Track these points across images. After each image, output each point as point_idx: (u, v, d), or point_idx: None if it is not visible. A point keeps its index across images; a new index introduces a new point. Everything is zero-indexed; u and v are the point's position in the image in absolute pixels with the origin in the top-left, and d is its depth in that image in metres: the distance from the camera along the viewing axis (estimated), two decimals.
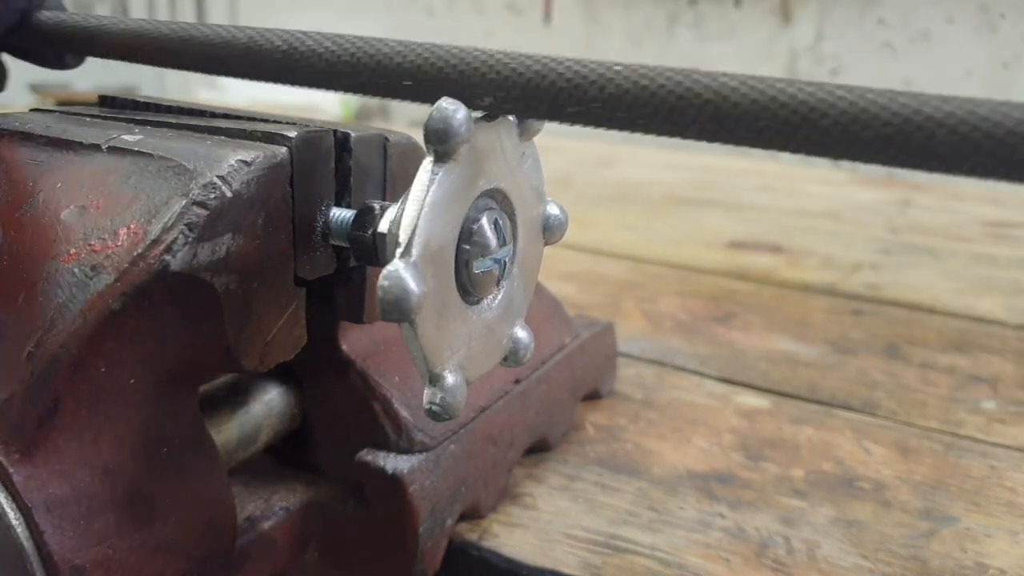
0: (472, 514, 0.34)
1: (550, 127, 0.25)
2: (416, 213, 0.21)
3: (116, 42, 0.30)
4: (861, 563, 0.33)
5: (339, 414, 0.32)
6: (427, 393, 0.23)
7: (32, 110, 0.32)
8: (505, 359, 0.27)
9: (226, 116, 0.30)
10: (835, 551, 0.34)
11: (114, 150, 0.26)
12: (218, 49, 0.27)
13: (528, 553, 0.33)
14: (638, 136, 0.21)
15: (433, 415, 0.23)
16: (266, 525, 0.30)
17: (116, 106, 0.33)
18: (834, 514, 0.36)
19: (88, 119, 0.30)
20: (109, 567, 0.23)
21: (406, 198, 0.22)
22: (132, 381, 0.24)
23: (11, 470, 0.22)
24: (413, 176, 0.22)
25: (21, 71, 0.35)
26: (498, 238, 0.25)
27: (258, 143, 0.26)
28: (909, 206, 1.01)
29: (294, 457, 0.34)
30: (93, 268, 0.23)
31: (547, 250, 0.29)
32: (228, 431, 0.29)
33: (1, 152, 0.28)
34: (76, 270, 0.23)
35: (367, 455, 0.30)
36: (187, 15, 2.67)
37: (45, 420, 0.22)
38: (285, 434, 0.33)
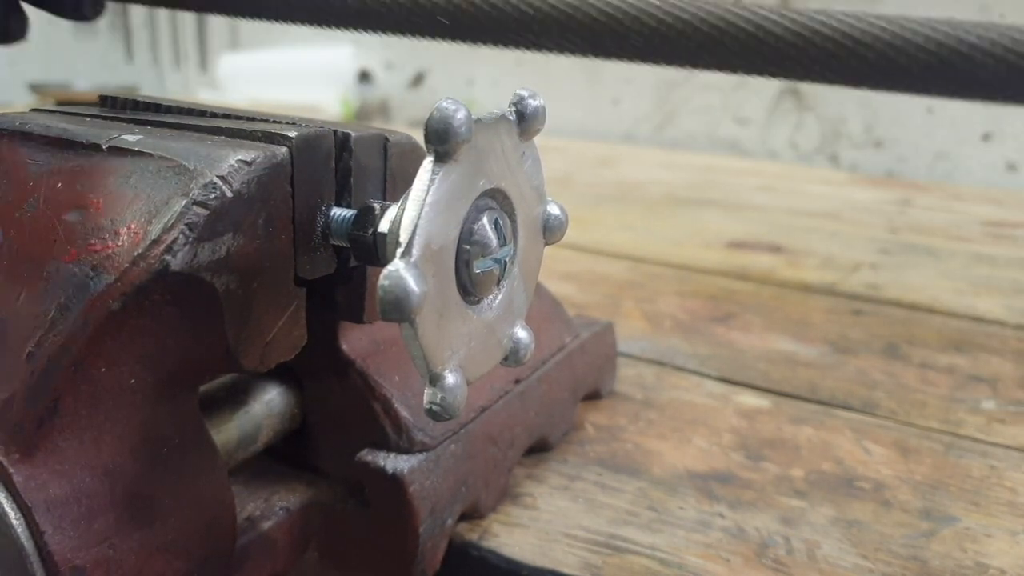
0: (472, 514, 0.34)
1: (549, 126, 0.25)
2: (416, 213, 0.21)
3: None
4: (861, 563, 0.33)
5: (339, 414, 0.32)
6: (427, 393, 0.23)
7: (32, 110, 0.32)
8: (505, 359, 0.27)
9: (226, 116, 0.30)
10: (835, 551, 0.34)
11: (114, 150, 0.26)
12: None
13: (528, 553, 0.33)
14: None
15: (433, 415, 0.23)
16: (266, 525, 0.30)
17: (116, 106, 0.33)
18: (834, 514, 0.36)
19: (88, 119, 0.30)
20: (109, 567, 0.23)
21: (406, 198, 0.22)
22: (132, 381, 0.24)
23: (11, 470, 0.22)
24: (413, 176, 0.22)
25: (21, 71, 0.35)
26: (498, 238, 0.25)
27: (258, 143, 0.26)
28: (909, 206, 1.01)
29: (294, 457, 0.34)
30: (93, 268, 0.23)
31: (547, 250, 0.29)
32: (228, 431, 0.29)
33: (1, 152, 0.28)
34: (76, 270, 0.23)
35: (367, 455, 0.30)
36: (187, 15, 2.67)
37: (45, 420, 0.22)
38: (285, 434, 0.33)
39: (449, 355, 0.23)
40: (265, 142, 0.26)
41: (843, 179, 1.22)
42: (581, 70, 1.91)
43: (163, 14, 2.73)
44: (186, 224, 0.23)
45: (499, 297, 0.26)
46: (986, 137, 1.51)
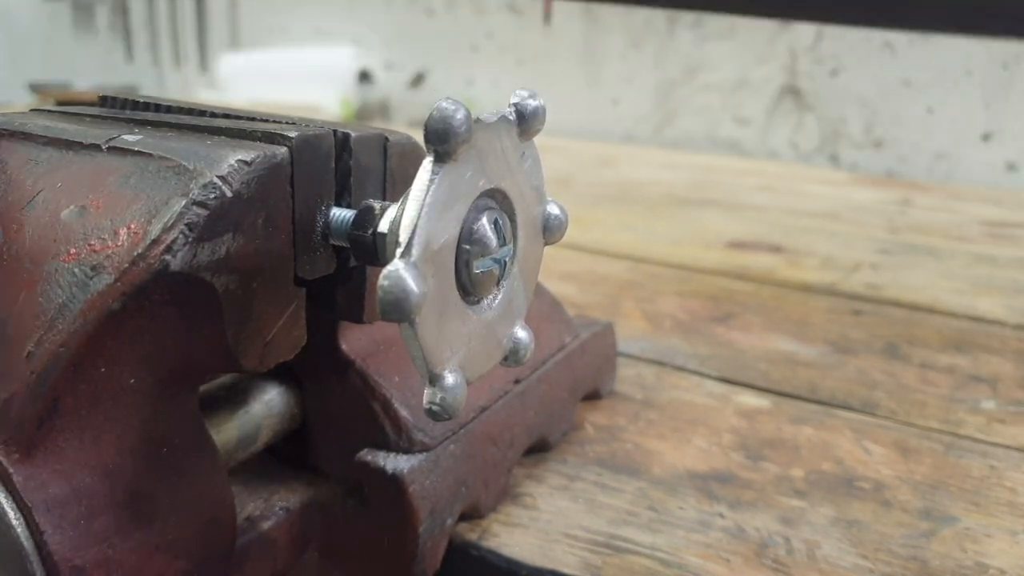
0: (472, 514, 0.34)
1: (549, 126, 0.25)
2: (416, 213, 0.21)
3: None
4: (861, 563, 0.33)
5: (339, 414, 0.32)
6: (427, 393, 0.23)
7: (32, 110, 0.32)
8: (505, 359, 0.27)
9: (226, 116, 0.30)
10: (835, 551, 0.34)
11: (114, 150, 0.26)
12: None
13: (528, 553, 0.33)
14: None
15: (433, 415, 0.23)
16: (266, 525, 0.30)
17: (116, 106, 0.33)
18: (834, 514, 0.36)
19: (88, 119, 0.30)
20: (109, 567, 0.23)
21: (406, 198, 0.22)
22: (132, 381, 0.24)
23: (11, 470, 0.22)
24: (413, 176, 0.22)
25: (21, 71, 0.35)
26: (498, 238, 0.25)
27: (258, 143, 0.26)
28: (909, 206, 1.01)
29: (294, 457, 0.34)
30: (93, 268, 0.23)
31: (547, 250, 0.29)
32: (228, 431, 0.29)
33: (1, 152, 0.28)
34: (76, 270, 0.23)
35: (367, 455, 0.30)
36: (187, 15, 2.67)
37: (45, 420, 0.22)
38: (285, 434, 0.33)
39: (449, 355, 0.23)
40: (265, 142, 0.26)
41: (843, 179, 1.22)
42: (581, 70, 1.91)
43: (163, 14, 2.73)
44: (186, 224, 0.23)
45: (499, 297, 0.26)
46: (986, 137, 1.51)
